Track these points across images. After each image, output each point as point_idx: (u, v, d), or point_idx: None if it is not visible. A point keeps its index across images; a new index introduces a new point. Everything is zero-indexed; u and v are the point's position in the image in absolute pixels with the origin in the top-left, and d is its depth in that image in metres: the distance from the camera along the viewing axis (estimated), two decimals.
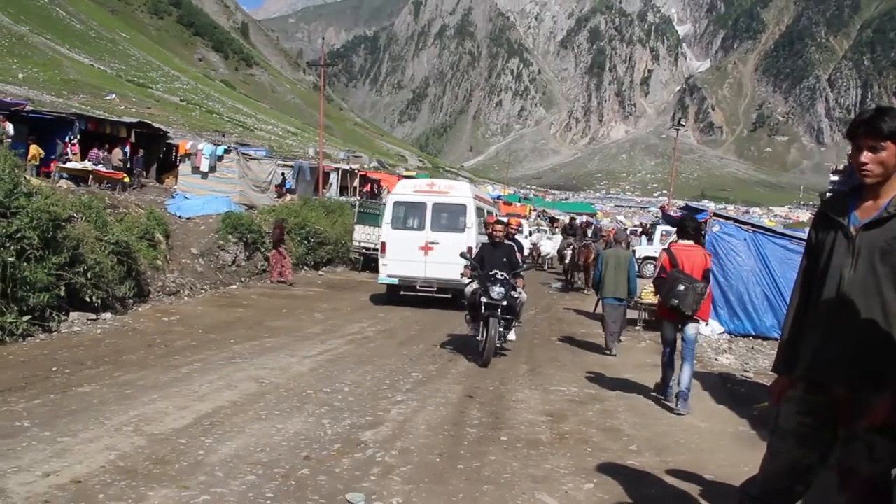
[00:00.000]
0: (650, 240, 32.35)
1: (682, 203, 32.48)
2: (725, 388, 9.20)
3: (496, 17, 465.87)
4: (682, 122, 67.20)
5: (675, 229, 24.69)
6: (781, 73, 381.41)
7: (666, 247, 8.48)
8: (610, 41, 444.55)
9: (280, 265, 18.84)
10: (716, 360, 11.58)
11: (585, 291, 21.03)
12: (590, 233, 26.93)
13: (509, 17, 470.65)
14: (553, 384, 8.87)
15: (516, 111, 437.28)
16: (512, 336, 11.33)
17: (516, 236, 14.05)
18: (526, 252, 20.03)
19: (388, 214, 16.18)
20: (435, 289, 15.45)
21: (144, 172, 30.20)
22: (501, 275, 10.21)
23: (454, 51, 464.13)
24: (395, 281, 15.86)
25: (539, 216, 49.46)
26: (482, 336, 10.00)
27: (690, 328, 8.06)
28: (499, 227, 11.14)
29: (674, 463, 5.90)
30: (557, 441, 6.40)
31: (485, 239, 12.70)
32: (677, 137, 64.24)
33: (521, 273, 10.83)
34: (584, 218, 40.67)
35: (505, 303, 10.08)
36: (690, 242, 8.20)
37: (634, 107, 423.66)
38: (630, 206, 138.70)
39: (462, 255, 11.28)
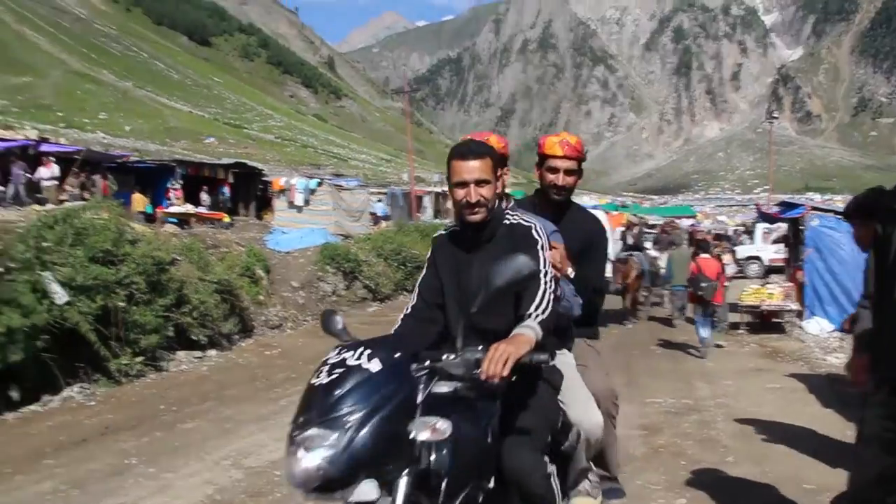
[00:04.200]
0: (752, 238, 31.28)
1: (782, 198, 31.25)
2: (833, 391, 8.79)
3: (577, 27, 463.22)
4: (776, 115, 65.46)
5: (772, 226, 24.09)
6: (880, 52, 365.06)
7: (694, 260, 12.62)
8: (695, 39, 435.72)
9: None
10: (824, 360, 11.10)
11: (627, 322, 15.89)
12: (630, 239, 23.14)
13: (590, 25, 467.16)
14: (650, 396, 8.70)
15: (606, 119, 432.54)
16: None
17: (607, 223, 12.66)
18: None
19: None
20: None
21: None
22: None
23: (538, 64, 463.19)
24: None
25: (638, 225, 48.44)
26: None
27: (708, 308, 11.77)
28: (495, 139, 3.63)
29: (773, 473, 5.70)
30: (651, 455, 6.30)
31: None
32: (772, 130, 62.53)
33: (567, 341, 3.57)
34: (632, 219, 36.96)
35: None
36: (708, 255, 12.46)
37: (726, 103, 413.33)
38: (731, 205, 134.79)
39: None
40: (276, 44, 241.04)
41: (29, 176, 23.08)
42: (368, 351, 2.27)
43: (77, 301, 9.01)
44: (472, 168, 2.93)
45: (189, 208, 25.45)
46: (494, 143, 3.44)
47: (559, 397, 3.11)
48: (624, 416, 7.54)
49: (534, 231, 3.01)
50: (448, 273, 3.12)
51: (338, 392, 2.14)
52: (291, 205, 25.39)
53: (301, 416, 2.17)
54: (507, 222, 3.07)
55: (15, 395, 8.17)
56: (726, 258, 15.18)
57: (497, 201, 3.05)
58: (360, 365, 2.22)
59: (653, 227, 37.48)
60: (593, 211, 18.56)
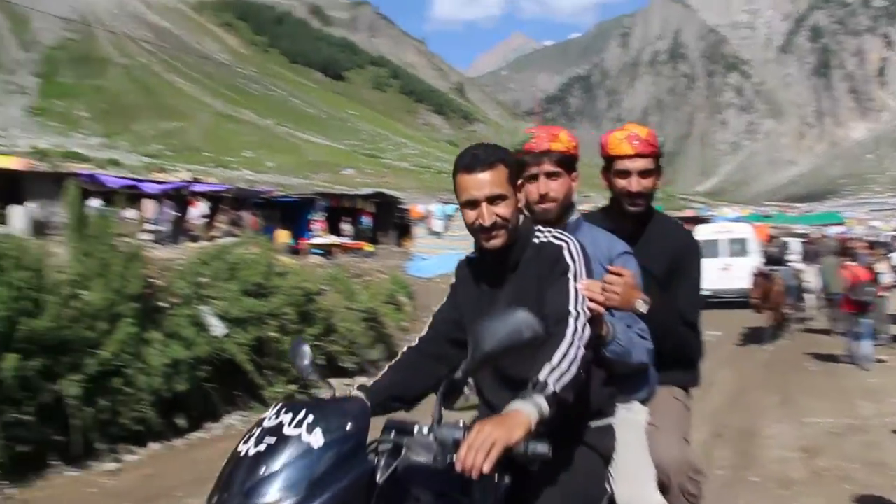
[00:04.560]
0: None
1: None
2: None
3: (707, 35, 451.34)
4: None
5: None
6: None
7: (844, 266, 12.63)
8: (834, 36, 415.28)
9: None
10: None
11: (767, 342, 14.28)
12: (774, 252, 21.36)
13: (720, 31, 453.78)
14: (808, 415, 8.33)
15: (743, 127, 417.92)
16: None
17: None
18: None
19: None
20: (733, 296, 18.30)
21: None
22: None
23: (669, 76, 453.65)
24: (707, 292, 20.67)
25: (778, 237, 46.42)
26: None
27: (868, 317, 11.60)
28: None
29: None
30: (813, 479, 6.02)
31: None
32: None
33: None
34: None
35: None
36: (855, 263, 12.75)
37: (872, 101, 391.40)
38: (884, 209, 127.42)
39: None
40: (406, 74, 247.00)
41: (177, 214, 24.58)
42: (311, 417, 1.78)
43: (233, 333, 9.48)
44: (482, 182, 2.28)
45: (333, 239, 26.33)
46: (565, 140, 2.84)
47: (609, 468, 2.46)
48: (780, 437, 7.33)
49: (565, 253, 2.31)
50: (469, 309, 2.44)
51: (264, 470, 1.69)
52: (430, 231, 25.91)
53: (218, 493, 1.73)
54: (536, 242, 2.38)
55: (182, 422, 8.68)
56: (882, 266, 14.28)
57: (519, 219, 2.38)
58: (298, 436, 1.74)
59: (801, 235, 35.83)
60: (737, 224, 18.44)
